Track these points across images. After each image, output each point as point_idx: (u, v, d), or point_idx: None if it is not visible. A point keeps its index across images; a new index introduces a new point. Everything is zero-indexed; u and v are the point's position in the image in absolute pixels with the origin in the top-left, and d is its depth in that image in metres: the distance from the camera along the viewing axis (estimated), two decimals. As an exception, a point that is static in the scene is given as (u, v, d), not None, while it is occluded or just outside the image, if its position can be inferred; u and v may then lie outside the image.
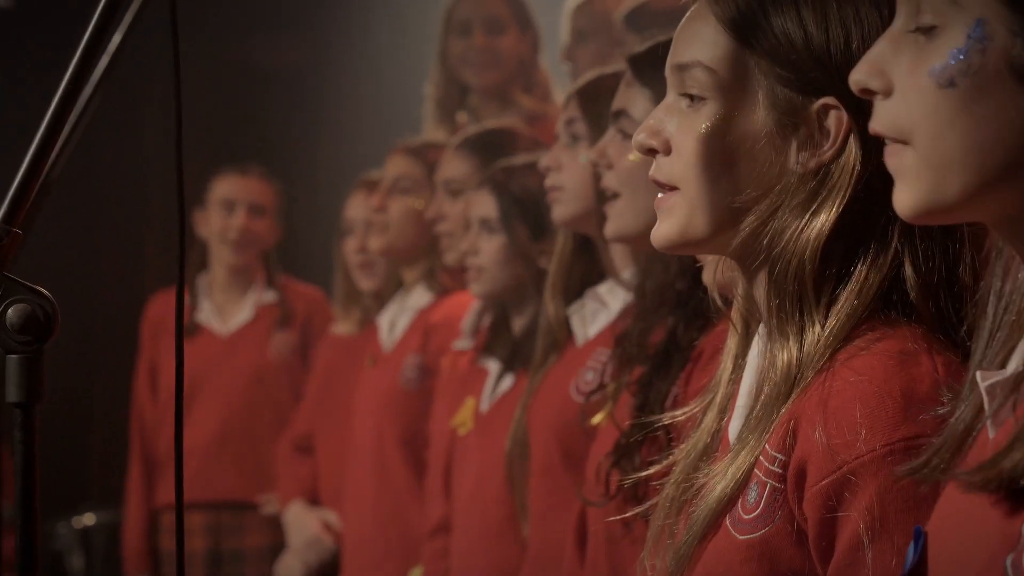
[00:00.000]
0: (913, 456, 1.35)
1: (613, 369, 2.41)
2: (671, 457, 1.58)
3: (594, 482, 2.29)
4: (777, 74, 1.49)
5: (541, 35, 4.55)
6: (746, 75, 1.50)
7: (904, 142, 1.23)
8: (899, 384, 1.38)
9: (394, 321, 4.00)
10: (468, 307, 3.73)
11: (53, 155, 2.55)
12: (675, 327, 2.23)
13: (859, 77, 1.26)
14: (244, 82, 5.99)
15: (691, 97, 1.53)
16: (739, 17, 1.50)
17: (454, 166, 3.53)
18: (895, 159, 1.24)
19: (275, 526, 4.35)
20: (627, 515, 1.67)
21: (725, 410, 1.56)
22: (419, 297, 3.93)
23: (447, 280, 3.85)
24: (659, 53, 2.28)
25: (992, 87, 1.17)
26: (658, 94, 2.26)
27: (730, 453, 1.49)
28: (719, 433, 1.55)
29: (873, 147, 1.45)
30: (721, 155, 1.50)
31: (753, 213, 1.49)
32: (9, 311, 1.44)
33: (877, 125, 1.26)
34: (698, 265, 2.21)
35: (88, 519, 5.04)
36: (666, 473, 1.58)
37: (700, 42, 1.53)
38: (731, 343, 1.56)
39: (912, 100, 1.21)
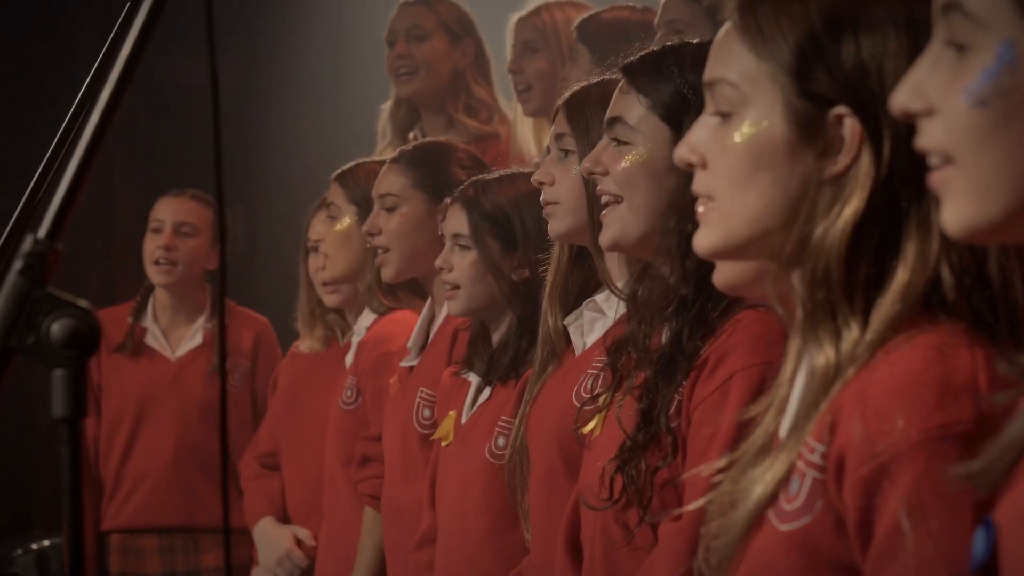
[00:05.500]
0: (949, 444, 1.39)
1: (606, 378, 2.43)
2: (734, 454, 1.62)
3: (597, 486, 2.31)
4: (795, 86, 1.54)
5: (486, 49, 4.58)
6: (767, 89, 1.56)
7: (948, 161, 1.27)
8: (936, 374, 1.42)
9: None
10: (401, 323, 3.76)
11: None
12: (679, 332, 2.24)
13: (900, 100, 1.31)
14: (193, 105, 5.98)
15: (720, 112, 1.59)
16: (759, 33, 1.56)
17: (389, 181, 3.55)
18: (940, 180, 1.29)
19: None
20: (683, 510, 1.69)
21: (782, 411, 1.59)
22: (365, 319, 3.95)
23: (383, 299, 3.87)
24: (651, 61, 2.35)
25: None
26: (653, 101, 2.32)
27: (771, 455, 1.53)
28: (775, 432, 1.59)
29: (885, 154, 1.51)
30: (746, 167, 1.56)
31: (777, 222, 1.54)
32: (54, 326, 1.44)
33: (923, 142, 1.30)
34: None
35: (44, 541, 5.01)
36: (726, 469, 1.61)
37: (726, 59, 1.59)
38: (792, 346, 1.60)
39: (951, 121, 1.26)
